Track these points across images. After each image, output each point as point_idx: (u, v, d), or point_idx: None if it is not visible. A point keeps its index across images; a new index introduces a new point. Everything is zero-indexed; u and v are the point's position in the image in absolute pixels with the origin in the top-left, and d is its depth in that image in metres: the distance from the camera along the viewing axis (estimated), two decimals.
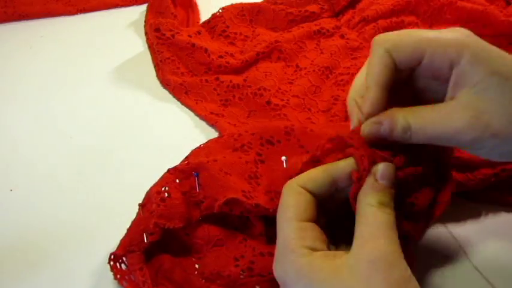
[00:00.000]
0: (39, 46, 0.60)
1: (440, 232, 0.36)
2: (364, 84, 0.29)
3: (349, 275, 0.25)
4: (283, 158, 0.35)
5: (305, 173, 0.29)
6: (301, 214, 0.27)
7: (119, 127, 0.48)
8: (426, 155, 0.30)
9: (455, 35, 0.27)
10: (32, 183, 0.43)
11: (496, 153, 0.27)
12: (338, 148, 0.30)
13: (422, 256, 0.33)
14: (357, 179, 0.28)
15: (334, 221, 0.29)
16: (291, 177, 0.30)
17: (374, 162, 0.28)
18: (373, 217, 0.26)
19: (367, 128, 0.28)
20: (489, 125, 0.26)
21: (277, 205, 0.31)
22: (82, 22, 0.64)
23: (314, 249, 0.26)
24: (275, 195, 0.33)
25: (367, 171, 0.27)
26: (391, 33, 0.29)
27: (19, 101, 0.52)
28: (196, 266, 0.33)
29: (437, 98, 0.29)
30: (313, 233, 0.27)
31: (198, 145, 0.40)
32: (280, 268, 0.27)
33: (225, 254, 0.33)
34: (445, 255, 0.35)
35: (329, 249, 0.28)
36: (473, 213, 0.38)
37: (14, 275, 0.36)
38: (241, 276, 0.31)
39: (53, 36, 0.61)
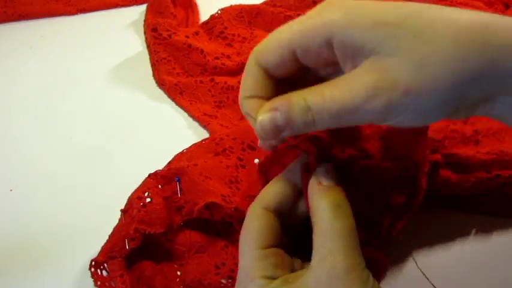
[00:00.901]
0: (39, 46, 0.60)
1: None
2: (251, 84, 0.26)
3: None
4: (256, 160, 0.35)
5: (263, 190, 0.28)
6: (263, 240, 0.26)
7: (117, 127, 0.48)
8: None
9: (317, 19, 0.23)
10: (32, 183, 0.43)
11: (416, 116, 0.23)
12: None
13: None
14: (304, 170, 0.27)
15: (301, 235, 0.28)
16: (259, 179, 0.30)
17: (320, 155, 0.27)
18: (329, 226, 0.25)
19: (260, 120, 0.24)
20: (397, 80, 0.22)
21: None
22: (82, 22, 0.64)
23: (274, 278, 0.25)
24: (253, 200, 0.32)
25: (314, 163, 0.26)
26: (263, 41, 0.26)
27: (19, 101, 0.52)
28: (178, 273, 0.33)
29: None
30: (274, 259, 0.26)
31: (189, 146, 0.40)
32: None
33: (207, 261, 0.33)
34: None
35: (294, 270, 0.27)
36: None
37: (14, 275, 0.36)
38: (222, 285, 0.31)
39: (53, 36, 0.61)
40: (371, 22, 0.22)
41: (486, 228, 0.37)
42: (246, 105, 0.26)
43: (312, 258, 0.25)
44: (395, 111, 0.22)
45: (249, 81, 0.26)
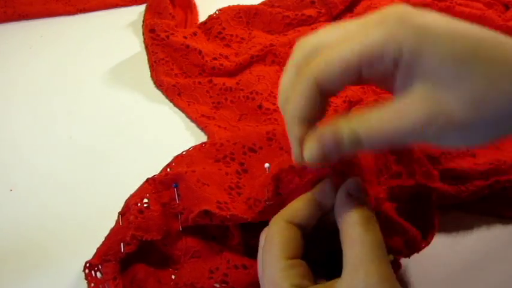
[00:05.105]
0: (39, 46, 0.60)
1: None
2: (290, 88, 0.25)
3: None
4: (266, 165, 0.34)
5: (289, 205, 0.29)
6: (288, 251, 0.27)
7: (116, 128, 0.48)
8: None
9: (384, 33, 0.23)
10: (32, 183, 0.43)
11: (463, 142, 0.24)
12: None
13: None
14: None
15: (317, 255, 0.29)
16: (267, 182, 0.30)
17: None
18: (360, 238, 0.25)
19: (308, 149, 0.25)
20: (453, 115, 0.22)
21: (256, 213, 0.31)
22: (82, 22, 0.64)
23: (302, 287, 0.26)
24: (254, 202, 0.32)
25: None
26: (321, 61, 0.24)
27: (19, 101, 0.53)
28: (173, 276, 0.33)
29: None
30: (300, 270, 0.26)
31: (187, 148, 0.40)
32: None
33: (201, 265, 0.33)
34: None
35: (316, 283, 0.27)
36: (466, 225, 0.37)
37: (13, 275, 0.36)
38: None
39: (52, 36, 0.62)
40: (442, 55, 0.22)
41: (486, 228, 0.37)
42: (297, 130, 0.25)
43: (344, 268, 0.25)
44: (444, 139, 0.23)
45: (304, 103, 0.25)
